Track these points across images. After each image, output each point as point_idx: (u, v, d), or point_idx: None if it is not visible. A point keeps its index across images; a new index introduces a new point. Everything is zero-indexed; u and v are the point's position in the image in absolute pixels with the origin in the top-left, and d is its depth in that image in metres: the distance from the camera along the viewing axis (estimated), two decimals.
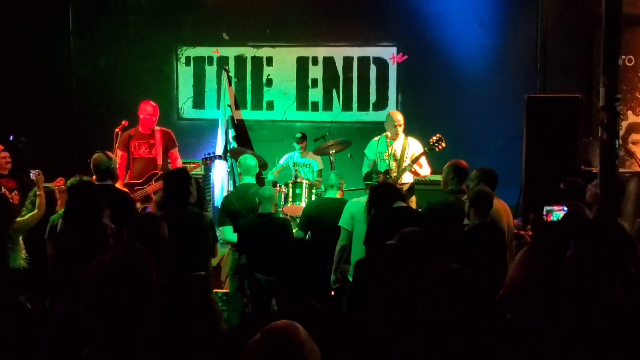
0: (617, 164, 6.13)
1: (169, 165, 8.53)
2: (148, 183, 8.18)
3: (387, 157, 8.16)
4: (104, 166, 6.66)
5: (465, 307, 3.17)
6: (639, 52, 9.49)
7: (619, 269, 3.16)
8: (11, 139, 9.89)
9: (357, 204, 6.49)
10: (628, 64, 9.41)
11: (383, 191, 5.98)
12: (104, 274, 2.54)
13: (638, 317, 3.10)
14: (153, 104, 8.55)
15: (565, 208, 4.86)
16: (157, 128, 8.53)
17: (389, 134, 8.30)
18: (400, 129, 8.28)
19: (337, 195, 7.18)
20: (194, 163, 8.68)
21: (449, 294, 3.17)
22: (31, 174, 7.22)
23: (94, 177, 7.30)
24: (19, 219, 6.78)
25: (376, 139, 8.45)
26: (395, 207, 5.75)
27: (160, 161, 8.38)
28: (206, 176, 9.64)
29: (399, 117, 8.33)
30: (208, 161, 8.59)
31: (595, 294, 3.13)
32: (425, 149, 8.02)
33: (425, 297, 3.21)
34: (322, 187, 7.64)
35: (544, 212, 4.89)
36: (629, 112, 9.60)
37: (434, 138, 7.97)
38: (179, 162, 8.52)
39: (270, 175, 9.13)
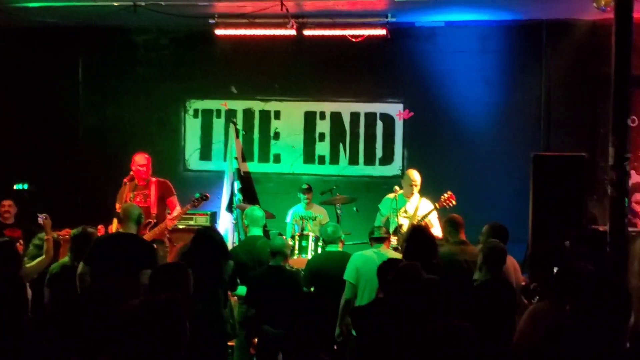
0: (627, 222, 6.19)
1: (168, 213, 8.51)
2: (142, 232, 8.15)
3: (400, 215, 8.22)
4: (135, 216, 6.67)
5: None
6: None
7: (617, 323, 3.20)
8: (24, 187, 9.94)
9: (362, 256, 6.53)
10: (632, 125, 9.49)
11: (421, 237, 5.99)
12: (135, 317, 2.53)
13: None
14: (146, 155, 8.58)
15: None
16: (152, 179, 8.55)
17: (404, 191, 8.40)
18: (416, 189, 8.45)
19: (338, 248, 7.20)
20: (170, 215, 8.52)
21: (450, 352, 3.12)
22: (39, 218, 7.23)
23: (111, 226, 7.32)
24: (27, 265, 6.76)
25: (391, 195, 8.52)
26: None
27: (154, 210, 8.37)
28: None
29: (416, 177, 8.50)
30: (196, 202, 8.51)
31: (593, 346, 3.16)
32: (436, 204, 8.15)
33: (427, 356, 3.17)
34: (321, 241, 7.65)
35: (554, 272, 4.90)
36: (633, 171, 9.66)
37: (445, 195, 8.15)
38: (178, 209, 8.50)
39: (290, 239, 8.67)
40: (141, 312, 2.52)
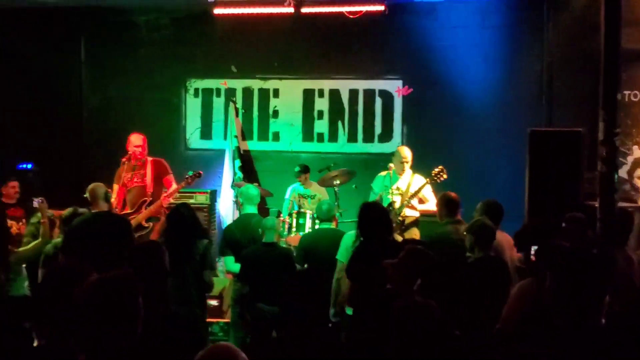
0: (617, 197, 6.17)
1: (165, 192, 8.52)
2: (139, 211, 8.24)
3: (392, 192, 8.21)
4: (102, 194, 6.77)
5: (432, 342, 3.11)
6: None
7: (595, 298, 3.20)
8: (29, 167, 10.00)
9: (352, 236, 6.45)
10: (633, 99, 9.40)
11: (371, 214, 5.94)
12: (90, 293, 2.57)
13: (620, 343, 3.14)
14: (141, 135, 8.60)
15: None
16: (149, 158, 8.58)
17: (395, 168, 8.37)
18: (407, 165, 8.39)
19: (332, 225, 7.22)
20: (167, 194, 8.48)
21: (415, 329, 3.12)
22: (34, 202, 7.23)
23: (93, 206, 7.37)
24: (22, 248, 6.81)
25: (383, 173, 8.51)
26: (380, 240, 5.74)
27: (150, 189, 8.42)
28: (211, 206, 9.71)
29: (407, 153, 8.43)
30: (189, 180, 8.44)
31: (574, 321, 3.17)
32: (427, 180, 8.11)
33: (393, 333, 3.17)
34: (317, 218, 7.65)
35: (532, 252, 4.92)
36: (635, 146, 9.57)
37: (436, 170, 8.09)
38: (174, 187, 8.49)
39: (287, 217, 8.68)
40: (92, 290, 2.57)
